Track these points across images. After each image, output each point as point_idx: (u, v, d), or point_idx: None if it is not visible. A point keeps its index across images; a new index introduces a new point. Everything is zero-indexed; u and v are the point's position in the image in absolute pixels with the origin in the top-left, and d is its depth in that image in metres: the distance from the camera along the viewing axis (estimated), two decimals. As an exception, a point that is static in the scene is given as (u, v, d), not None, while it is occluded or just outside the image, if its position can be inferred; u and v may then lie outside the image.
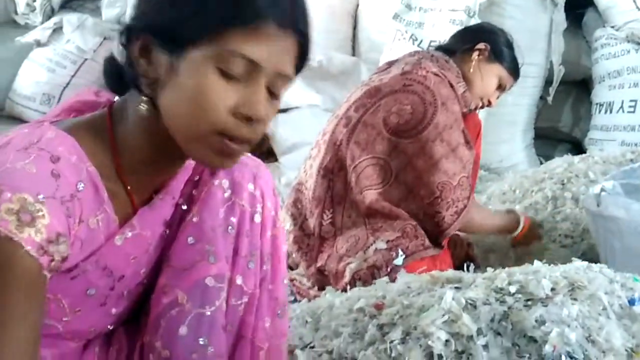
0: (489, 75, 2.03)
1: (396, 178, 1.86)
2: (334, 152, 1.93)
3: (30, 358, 0.80)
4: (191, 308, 1.00)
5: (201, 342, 0.99)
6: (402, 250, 1.83)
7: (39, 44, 4.16)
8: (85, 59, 4.03)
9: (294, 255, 1.99)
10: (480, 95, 2.04)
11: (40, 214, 0.80)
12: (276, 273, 1.12)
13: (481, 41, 2.02)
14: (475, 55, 2.02)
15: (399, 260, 1.82)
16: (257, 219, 1.08)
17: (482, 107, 2.11)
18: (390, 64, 2.10)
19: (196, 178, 1.07)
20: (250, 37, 0.86)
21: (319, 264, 1.91)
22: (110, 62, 0.99)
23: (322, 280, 1.90)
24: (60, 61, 4.05)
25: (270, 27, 0.87)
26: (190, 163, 1.06)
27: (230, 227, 1.04)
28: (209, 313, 1.00)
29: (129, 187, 0.98)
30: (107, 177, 0.93)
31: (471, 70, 2.01)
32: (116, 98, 1.02)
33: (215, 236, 1.03)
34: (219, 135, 0.89)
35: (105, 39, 4.02)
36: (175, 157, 0.96)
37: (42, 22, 4.40)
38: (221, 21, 0.86)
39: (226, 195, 1.05)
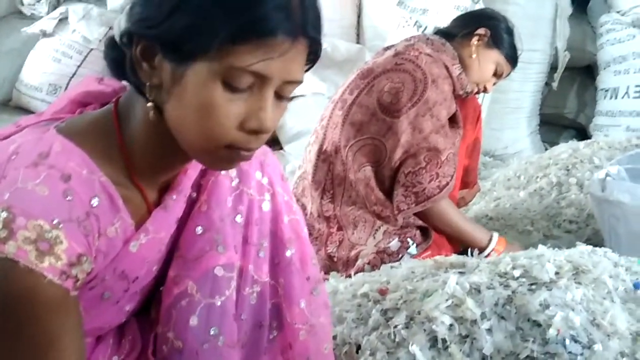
0: (486, 61, 2.02)
1: (389, 158, 1.87)
2: (331, 135, 1.94)
3: None
4: (201, 298, 0.99)
5: (212, 333, 0.99)
6: (410, 239, 1.84)
7: (45, 34, 4.15)
8: (91, 49, 4.02)
9: None
10: (477, 80, 2.03)
11: (57, 240, 0.80)
12: (303, 255, 1.11)
13: (482, 26, 2.01)
14: (474, 40, 2.00)
15: (412, 250, 1.83)
16: (266, 207, 1.07)
17: (477, 93, 2.10)
18: (387, 49, 2.10)
19: (204, 167, 1.05)
20: (259, 51, 0.82)
21: (329, 250, 1.92)
22: (111, 46, 0.94)
23: (330, 266, 1.91)
24: (66, 51, 4.05)
25: (280, 39, 0.82)
26: None
27: (238, 216, 1.04)
28: (219, 303, 1.00)
29: (142, 189, 0.96)
30: (120, 183, 0.92)
31: (471, 55, 2.00)
32: (122, 84, 1.00)
33: (224, 225, 1.02)
34: (227, 148, 0.87)
35: (110, 28, 3.99)
36: (184, 156, 0.94)
37: (48, 13, 4.38)
38: (230, 37, 0.80)
39: (233, 184, 1.04)
